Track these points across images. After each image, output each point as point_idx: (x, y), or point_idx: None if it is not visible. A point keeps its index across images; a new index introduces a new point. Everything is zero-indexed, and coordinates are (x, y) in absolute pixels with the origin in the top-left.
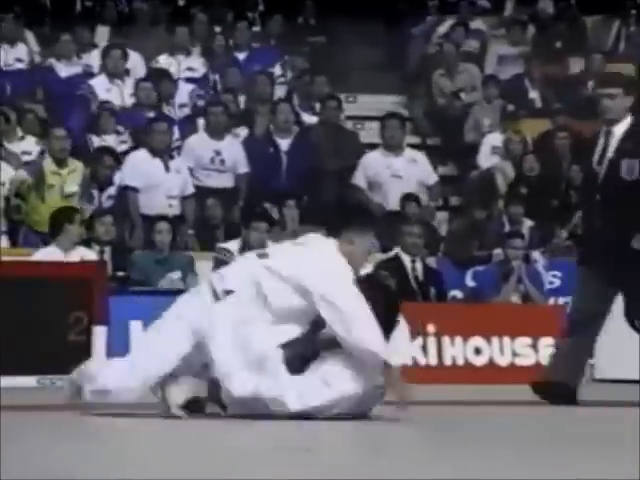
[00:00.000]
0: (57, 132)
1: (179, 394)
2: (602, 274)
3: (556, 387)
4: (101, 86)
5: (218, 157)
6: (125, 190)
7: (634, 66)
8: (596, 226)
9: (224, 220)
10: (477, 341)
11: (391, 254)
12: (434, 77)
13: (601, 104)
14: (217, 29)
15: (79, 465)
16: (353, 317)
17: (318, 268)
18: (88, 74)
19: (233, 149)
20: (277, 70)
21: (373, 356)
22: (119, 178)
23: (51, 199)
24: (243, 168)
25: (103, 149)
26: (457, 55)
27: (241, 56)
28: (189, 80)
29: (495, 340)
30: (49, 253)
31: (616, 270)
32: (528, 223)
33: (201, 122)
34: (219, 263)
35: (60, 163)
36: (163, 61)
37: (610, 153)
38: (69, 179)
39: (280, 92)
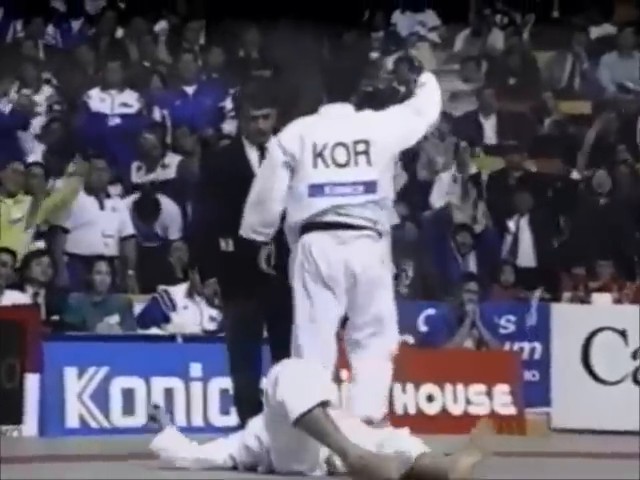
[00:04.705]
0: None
1: None
2: None
3: None
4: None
5: None
6: (54, 229)
7: (590, 104)
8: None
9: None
10: (429, 388)
11: None
12: None
13: (254, 126)
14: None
15: None
16: None
17: None
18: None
19: None
20: (227, 104)
21: None
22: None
23: None
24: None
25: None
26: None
27: (190, 90)
28: (123, 117)
29: (448, 387)
30: None
31: None
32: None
33: None
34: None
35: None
36: (95, 95)
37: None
38: (14, 206)
39: (230, 127)
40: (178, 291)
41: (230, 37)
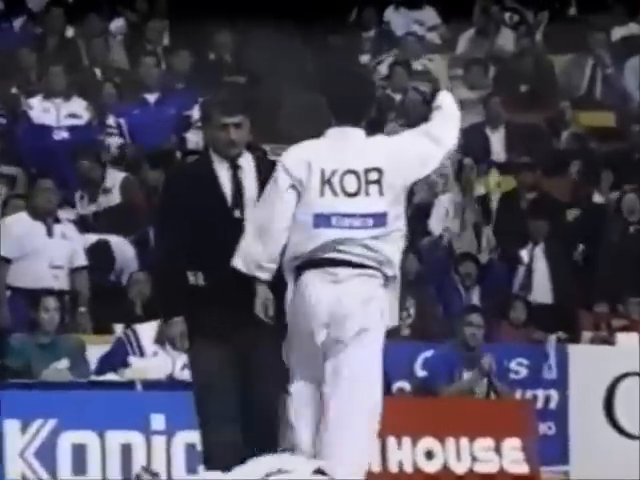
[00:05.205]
0: None
1: None
2: None
3: None
4: None
5: None
6: None
7: (614, 115)
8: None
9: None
10: (429, 442)
11: None
12: (390, 127)
13: (224, 136)
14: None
15: None
16: None
17: None
18: None
19: None
20: (195, 113)
21: None
22: None
23: None
24: None
25: None
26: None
27: (151, 98)
28: (71, 129)
29: (450, 441)
30: None
31: None
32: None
33: None
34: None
35: None
36: (37, 105)
37: (251, 193)
38: None
39: (196, 138)
40: (146, 330)
41: (198, 38)
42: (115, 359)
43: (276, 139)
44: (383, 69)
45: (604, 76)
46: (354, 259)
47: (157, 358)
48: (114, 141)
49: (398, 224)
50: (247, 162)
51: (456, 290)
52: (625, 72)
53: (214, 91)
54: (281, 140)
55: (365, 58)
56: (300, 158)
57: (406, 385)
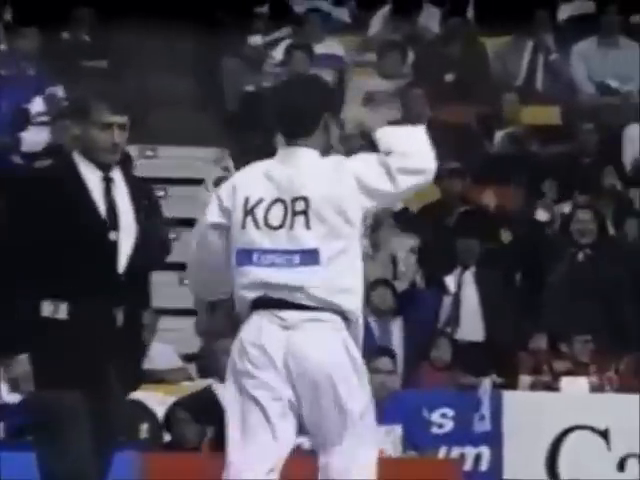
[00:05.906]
0: None
1: None
2: None
3: None
4: None
5: None
6: None
7: (559, 110)
8: None
9: None
10: None
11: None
12: None
13: (104, 138)
14: None
15: None
16: None
17: None
18: None
19: None
20: (37, 106)
21: None
22: None
23: None
24: None
25: None
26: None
27: None
28: None
29: None
30: None
31: None
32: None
33: None
34: None
35: None
36: None
37: (126, 216)
38: None
39: (41, 136)
40: None
41: (49, 13)
42: None
43: (142, 138)
44: (278, 53)
45: (547, 63)
46: (301, 301)
47: None
48: None
49: (342, 264)
50: (118, 175)
51: (366, 326)
52: (572, 58)
53: (68, 78)
54: (149, 139)
55: (256, 40)
56: (230, 184)
57: (305, 442)
